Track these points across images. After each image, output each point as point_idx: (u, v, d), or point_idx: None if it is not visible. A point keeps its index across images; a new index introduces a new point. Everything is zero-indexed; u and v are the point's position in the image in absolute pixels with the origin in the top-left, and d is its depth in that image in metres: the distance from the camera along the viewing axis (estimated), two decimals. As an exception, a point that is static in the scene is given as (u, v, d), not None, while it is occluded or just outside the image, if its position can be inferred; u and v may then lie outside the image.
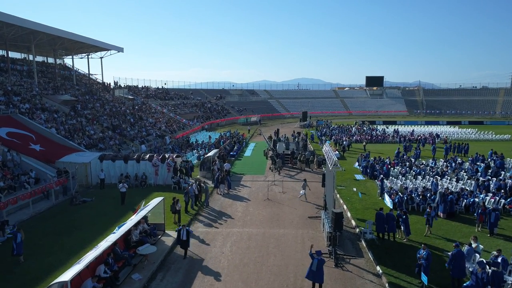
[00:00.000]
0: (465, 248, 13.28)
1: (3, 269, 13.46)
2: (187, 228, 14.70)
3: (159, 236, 16.44)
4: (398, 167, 28.06)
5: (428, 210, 16.50)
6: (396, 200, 19.78)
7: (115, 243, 13.54)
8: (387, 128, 56.05)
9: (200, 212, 20.31)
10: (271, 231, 17.48)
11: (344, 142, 39.46)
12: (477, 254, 13.09)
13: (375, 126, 59.59)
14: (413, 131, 50.95)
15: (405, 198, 19.91)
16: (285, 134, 43.94)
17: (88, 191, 24.04)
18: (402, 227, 15.94)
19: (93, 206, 21.05)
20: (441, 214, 18.69)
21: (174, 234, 16.85)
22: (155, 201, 16.46)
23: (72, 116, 36.89)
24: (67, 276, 9.69)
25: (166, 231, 17.03)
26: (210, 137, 44.56)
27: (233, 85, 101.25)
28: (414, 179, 24.71)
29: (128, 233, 14.72)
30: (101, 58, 56.84)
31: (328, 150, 18.34)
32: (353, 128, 55.37)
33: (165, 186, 24.95)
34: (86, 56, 55.52)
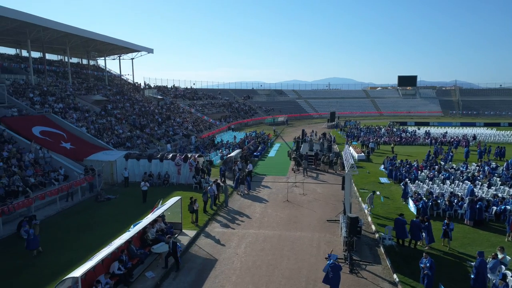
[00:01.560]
0: (490, 260, 12.52)
1: (25, 263, 14.11)
2: (173, 240, 13.74)
3: (176, 235, 16.67)
4: (426, 170, 26.97)
5: (446, 221, 15.37)
6: (420, 206, 19.01)
7: (130, 241, 13.89)
8: (418, 129, 54.03)
9: (219, 212, 20.42)
10: (287, 233, 17.28)
11: (371, 144, 38.43)
12: (503, 266, 12.29)
13: (405, 127, 57.58)
14: (446, 133, 48.81)
15: (430, 203, 19.08)
16: (309, 135, 43.42)
17: (113, 188, 24.80)
18: (424, 234, 15.26)
19: (116, 204, 21.68)
20: (468, 221, 17.75)
21: (191, 233, 17.09)
22: (172, 201, 16.72)
23: (103, 115, 38.23)
24: (78, 272, 9.99)
25: (183, 230, 17.24)
26: (235, 137, 44.78)
27: (261, 85, 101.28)
28: (442, 184, 23.62)
29: (144, 231, 15.02)
30: (132, 59, 58.62)
31: (347, 151, 17.86)
32: (382, 129, 53.84)
33: (187, 185, 25.28)
34: (118, 58, 57.40)
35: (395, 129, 53.68)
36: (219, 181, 23.78)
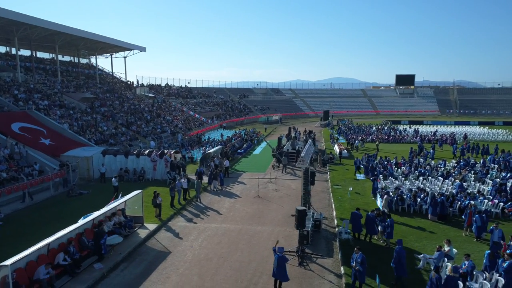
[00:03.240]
0: (435, 253, 12.50)
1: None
2: (98, 230, 12.78)
3: (136, 229, 16.77)
4: (403, 167, 26.89)
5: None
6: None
7: (81, 233, 14.03)
8: (410, 128, 53.85)
9: (187, 207, 20.50)
10: (248, 227, 17.33)
11: (356, 142, 38.42)
12: (445, 259, 12.25)
13: (395, 125, 57.44)
14: (436, 131, 48.56)
15: (395, 198, 19.04)
16: (302, 133, 43.47)
17: (89, 184, 24.96)
18: (379, 228, 15.22)
19: (88, 199, 21.81)
20: (430, 216, 17.70)
21: (152, 227, 17.18)
22: (132, 194, 16.82)
23: (88, 113, 38.47)
24: (9, 261, 10.10)
25: (144, 224, 17.34)
26: (222, 135, 44.88)
27: (257, 84, 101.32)
28: (413, 180, 23.54)
29: (100, 223, 15.11)
30: (124, 57, 58.92)
31: (308, 149, 17.78)
32: (373, 127, 53.74)
33: (162, 181, 25.36)
34: (110, 56, 57.68)
35: (386, 128, 53.55)
36: (190, 176, 23.86)
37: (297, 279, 12.53)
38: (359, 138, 41.14)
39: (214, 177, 23.93)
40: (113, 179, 22.23)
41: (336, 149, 36.35)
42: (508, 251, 11.23)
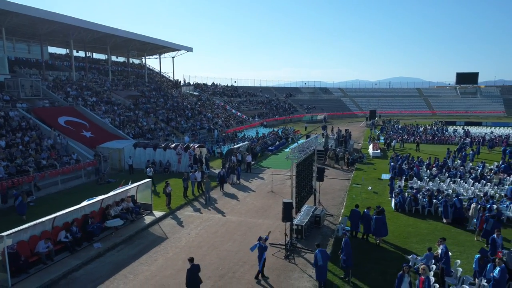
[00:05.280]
0: (425, 253, 11.75)
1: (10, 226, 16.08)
2: None
3: (144, 215, 17.76)
4: (434, 168, 25.21)
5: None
6: (397, 201, 18.08)
7: (87, 214, 15.24)
8: (462, 129, 50.00)
9: (199, 198, 21.17)
10: (250, 220, 17.52)
11: (394, 141, 36.68)
12: (433, 260, 11.44)
13: (444, 126, 53.66)
14: (491, 133, 44.57)
15: (408, 199, 18.00)
16: (335, 132, 42.52)
17: (119, 174, 26.74)
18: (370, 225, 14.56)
19: (114, 186, 23.17)
20: (444, 219, 16.50)
21: (159, 214, 18.08)
22: (140, 182, 17.86)
23: (132, 109, 41.09)
24: (6, 233, 11.37)
25: (153, 211, 18.28)
26: (257, 132, 45.30)
27: (305, 83, 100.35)
28: (440, 182, 22.01)
29: (107, 207, 16.28)
30: (172, 58, 61.81)
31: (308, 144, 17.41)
32: (420, 128, 50.74)
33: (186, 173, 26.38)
34: (159, 56, 60.93)
35: (431, 128, 50.31)
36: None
37: (277, 271, 12.50)
38: (399, 138, 39.19)
39: (232, 171, 24.40)
40: (147, 169, 23.49)
41: (371, 148, 35.04)
42: (502, 253, 10.24)
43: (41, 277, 11.93)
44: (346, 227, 15.39)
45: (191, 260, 10.40)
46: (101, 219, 15.92)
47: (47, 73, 40.61)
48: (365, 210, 14.83)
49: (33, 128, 27.33)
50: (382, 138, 43.25)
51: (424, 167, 25.75)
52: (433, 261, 11.42)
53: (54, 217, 13.68)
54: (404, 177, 23.25)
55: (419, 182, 21.88)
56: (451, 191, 19.69)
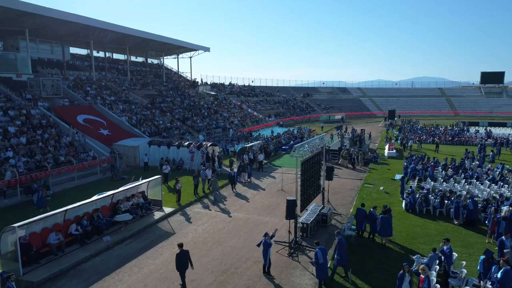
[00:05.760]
0: (429, 254, 11.53)
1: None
2: None
3: (153, 211, 18.12)
4: (450, 169, 24.63)
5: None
6: (408, 201, 17.79)
7: (97, 209, 15.70)
8: (485, 129, 48.52)
9: (209, 195, 21.39)
10: (257, 217, 17.60)
11: (410, 142, 36.03)
12: (437, 261, 11.22)
13: (466, 127, 52.18)
14: (514, 133, 43.10)
15: (419, 199, 17.67)
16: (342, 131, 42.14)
17: (133, 171, 27.29)
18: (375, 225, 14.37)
19: (128, 183, 23.99)
20: (455, 221, 16.12)
21: (168, 210, 18.41)
22: (151, 179, 18.25)
23: (149, 107, 41.89)
24: (17, 224, 11.87)
25: (163, 207, 18.62)
26: (272, 131, 45.33)
27: (323, 83, 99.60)
28: (454, 183, 21.48)
29: (118, 202, 16.72)
30: (190, 58, 62.65)
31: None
32: (440, 128, 49.54)
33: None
34: (177, 57, 61.85)
35: (456, 129, 48.99)
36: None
37: (279, 268, 12.54)
38: (416, 138, 38.45)
39: (243, 170, 24.55)
40: (163, 166, 23.94)
41: (387, 149, 34.52)
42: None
43: (51, 267, 12.39)
44: (352, 226, 15.25)
45: (180, 245, 11.33)
46: (111, 214, 16.36)
47: (68, 72, 41.93)
48: (371, 209, 14.66)
49: (52, 126, 28.29)
50: (399, 138, 42.54)
51: (440, 168, 25.18)
52: (437, 261, 11.18)
53: (66, 210, 14.17)
54: (417, 178, 22.82)
55: (432, 182, 21.40)
56: (464, 192, 19.18)
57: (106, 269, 12.52)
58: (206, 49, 60.76)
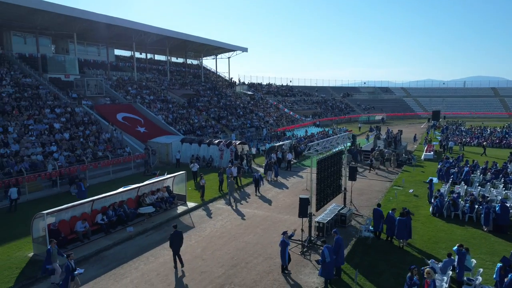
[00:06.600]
0: (444, 259, 11.04)
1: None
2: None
3: (177, 205, 18.81)
4: (490, 174, 23.14)
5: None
6: (435, 205, 17.02)
7: (123, 201, 16.61)
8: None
9: (234, 192, 21.72)
10: (276, 215, 17.70)
11: (450, 143, 34.24)
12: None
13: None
14: None
15: (447, 203, 16.84)
16: (377, 132, 40.82)
17: (166, 167, 28.45)
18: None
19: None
20: (484, 227, 15.20)
21: (191, 205, 19.04)
22: (175, 174, 18.99)
23: (185, 107, 43.26)
24: (47, 211, 12.91)
25: (186, 202, 19.27)
26: (306, 131, 45.01)
27: (364, 83, 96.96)
28: (491, 188, 20.18)
29: (143, 195, 17.58)
30: (228, 58, 63.75)
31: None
32: (488, 130, 46.49)
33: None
34: (215, 57, 63.22)
35: (505, 131, 45.72)
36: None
37: (290, 265, 12.55)
38: (458, 140, 36.43)
39: (269, 168, 24.70)
40: (191, 164, 24.58)
41: (425, 150, 33.09)
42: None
43: (76, 253, 13.15)
44: (371, 228, 14.89)
45: (175, 227, 12.84)
46: (136, 206, 17.22)
47: (112, 73, 44.38)
48: (390, 211, 14.22)
49: (93, 123, 30.17)
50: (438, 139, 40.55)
51: (478, 171, 23.73)
52: (451, 267, 10.67)
53: (93, 201, 15.18)
54: (451, 181, 21.71)
55: (465, 186, 20.26)
56: (500, 197, 17.95)
57: (125, 257, 13.25)
58: (244, 50, 61.49)
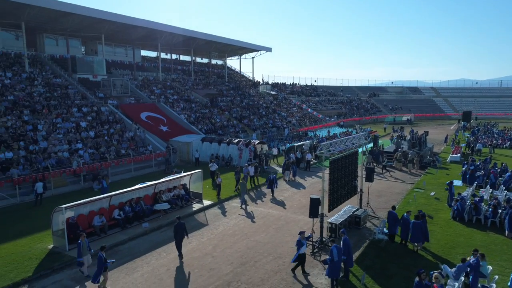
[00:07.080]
0: (457, 265, 10.65)
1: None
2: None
3: (193, 203, 19.11)
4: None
5: None
6: (455, 208, 16.42)
7: (140, 197, 17.05)
8: None
9: (249, 191, 21.86)
10: (290, 215, 17.64)
11: (478, 145, 32.84)
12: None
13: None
14: None
15: (469, 207, 16.20)
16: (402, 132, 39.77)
17: (186, 165, 28.95)
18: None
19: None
20: (507, 232, 14.51)
21: (207, 203, 19.28)
22: (191, 172, 19.32)
23: (208, 106, 43.81)
24: (65, 205, 13.46)
25: (202, 200, 19.54)
26: (329, 132, 44.48)
27: (391, 82, 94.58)
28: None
29: (159, 192, 17.98)
30: (252, 58, 63.94)
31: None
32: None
33: (245, 168, 27.43)
34: (239, 57, 63.58)
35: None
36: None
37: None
38: (488, 142, 34.90)
39: (287, 168, 24.62)
40: (210, 164, 24.55)
41: (452, 152, 31.96)
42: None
43: (92, 247, 13.74)
44: (385, 230, 14.56)
45: (178, 218, 13.35)
46: (153, 202, 17.63)
47: (138, 73, 45.61)
48: (404, 214, 13.85)
49: (118, 122, 31.12)
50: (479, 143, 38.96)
51: (507, 175, 22.64)
52: (464, 273, 10.27)
53: (111, 197, 15.69)
54: (475, 184, 20.86)
55: (491, 190, 19.41)
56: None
57: (138, 252, 13.62)
58: (268, 50, 61.50)
